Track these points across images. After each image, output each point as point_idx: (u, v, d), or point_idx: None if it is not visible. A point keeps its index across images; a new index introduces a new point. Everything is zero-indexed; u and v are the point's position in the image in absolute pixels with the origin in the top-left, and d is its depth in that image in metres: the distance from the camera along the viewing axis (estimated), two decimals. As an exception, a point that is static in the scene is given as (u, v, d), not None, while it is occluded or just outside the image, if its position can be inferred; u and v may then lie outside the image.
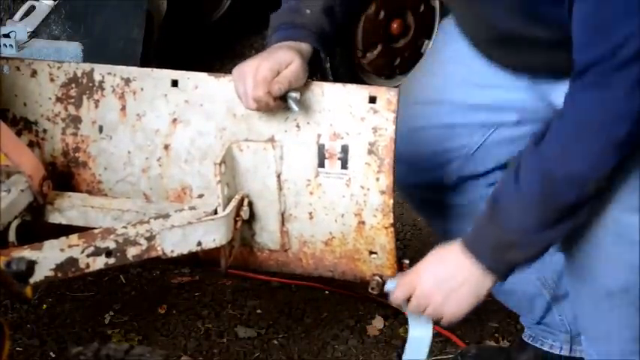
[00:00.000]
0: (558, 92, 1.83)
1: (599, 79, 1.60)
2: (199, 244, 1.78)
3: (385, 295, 1.89)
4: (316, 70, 1.83)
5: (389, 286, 1.85)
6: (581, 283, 1.96)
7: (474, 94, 2.08)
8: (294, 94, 1.76)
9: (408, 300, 1.82)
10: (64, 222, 1.91)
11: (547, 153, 1.67)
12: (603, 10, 1.59)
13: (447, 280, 1.78)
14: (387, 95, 1.77)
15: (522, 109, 2.07)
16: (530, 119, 2.04)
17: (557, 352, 2.29)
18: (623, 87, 1.59)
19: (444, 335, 2.39)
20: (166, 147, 1.93)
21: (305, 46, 1.82)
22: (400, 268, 1.91)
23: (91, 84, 1.93)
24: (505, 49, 1.96)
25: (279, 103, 1.77)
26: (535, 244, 1.72)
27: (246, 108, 1.78)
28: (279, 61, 1.74)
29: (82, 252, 1.72)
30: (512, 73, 2.01)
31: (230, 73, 1.82)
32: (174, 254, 1.77)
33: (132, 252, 1.75)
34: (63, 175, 2.00)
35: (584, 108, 1.64)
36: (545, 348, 2.30)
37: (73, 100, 1.95)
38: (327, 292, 2.55)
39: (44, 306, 2.49)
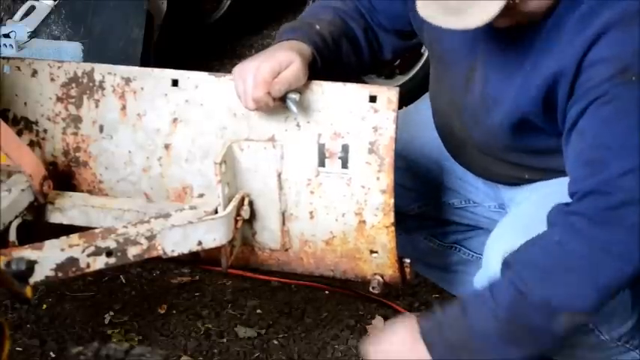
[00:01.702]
0: (511, 194, 1.91)
1: (595, 215, 1.58)
2: (200, 243, 1.78)
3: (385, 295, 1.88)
4: (317, 71, 1.83)
5: None
6: None
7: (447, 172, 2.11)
8: (293, 96, 1.76)
9: None
10: (64, 221, 1.91)
11: (526, 272, 1.63)
12: (601, 145, 1.58)
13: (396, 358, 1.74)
14: (387, 94, 1.77)
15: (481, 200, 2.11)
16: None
17: None
18: (618, 230, 1.57)
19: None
20: (167, 146, 1.93)
21: (306, 48, 1.82)
22: (401, 267, 1.91)
23: (91, 84, 1.93)
24: (473, 163, 1.99)
25: (278, 104, 1.77)
26: (491, 354, 1.67)
27: (245, 108, 1.78)
28: (280, 61, 1.74)
29: (83, 252, 1.72)
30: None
31: (230, 73, 1.82)
32: (175, 254, 1.78)
33: (132, 251, 1.75)
34: (63, 174, 2.00)
35: (577, 239, 1.59)
36: None
37: (73, 100, 1.95)
38: (327, 292, 2.55)
39: (44, 306, 2.48)
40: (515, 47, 1.71)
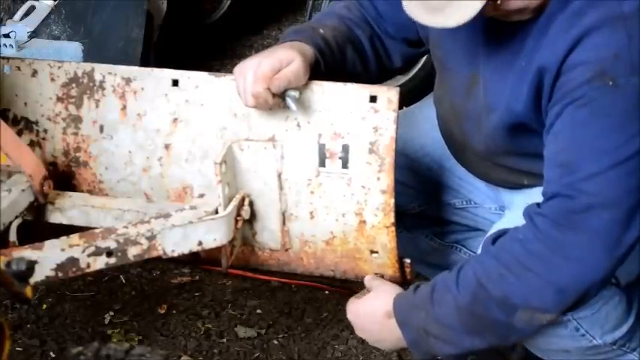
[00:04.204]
0: (510, 197, 1.92)
1: (559, 218, 1.60)
2: (200, 243, 1.78)
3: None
4: (319, 74, 1.84)
5: None
6: None
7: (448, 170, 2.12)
8: (293, 93, 1.76)
9: None
10: (64, 222, 1.91)
11: (489, 265, 1.66)
12: (573, 148, 1.59)
13: (370, 329, 1.85)
14: (387, 95, 1.77)
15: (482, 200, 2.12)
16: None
17: None
18: (579, 234, 1.58)
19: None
20: (167, 146, 1.93)
21: (308, 48, 1.82)
22: (401, 267, 1.91)
23: (91, 84, 1.93)
24: (474, 167, 2.00)
25: (277, 101, 1.77)
26: (454, 343, 1.72)
27: (245, 105, 1.78)
28: (280, 59, 1.74)
29: (83, 252, 1.72)
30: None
31: (230, 73, 1.82)
32: (175, 254, 1.78)
33: (133, 251, 1.75)
34: (64, 174, 2.00)
35: (539, 239, 1.62)
36: None
37: (73, 100, 1.95)
38: (327, 291, 2.55)
39: (44, 306, 2.49)
40: (509, 48, 1.71)
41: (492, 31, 1.73)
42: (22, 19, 2.95)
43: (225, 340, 2.39)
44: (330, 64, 1.86)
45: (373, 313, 1.82)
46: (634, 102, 1.55)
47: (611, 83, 1.54)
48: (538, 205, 1.65)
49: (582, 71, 1.56)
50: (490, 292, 1.64)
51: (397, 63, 2.03)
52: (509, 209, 2.00)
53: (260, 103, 1.76)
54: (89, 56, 2.88)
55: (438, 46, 1.90)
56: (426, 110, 2.04)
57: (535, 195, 1.83)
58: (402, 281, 1.94)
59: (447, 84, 1.91)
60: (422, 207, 2.17)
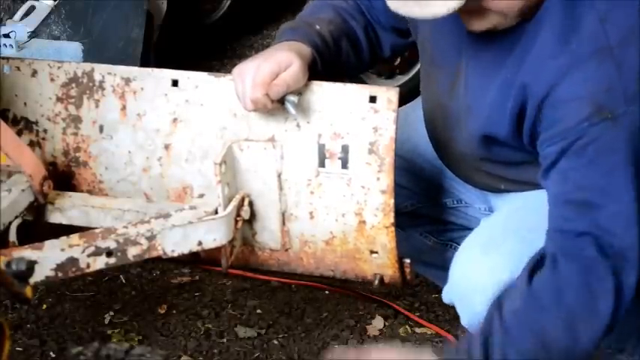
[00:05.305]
0: (495, 200, 1.91)
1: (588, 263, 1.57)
2: (200, 243, 1.78)
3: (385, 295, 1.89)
4: (316, 72, 1.83)
5: None
6: None
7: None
8: (292, 98, 1.76)
9: None
10: (64, 222, 1.91)
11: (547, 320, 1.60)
12: (586, 187, 1.58)
13: None
14: (387, 95, 1.77)
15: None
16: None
17: None
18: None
19: (443, 336, 2.39)
20: (167, 146, 1.93)
21: (305, 48, 1.82)
22: (401, 267, 1.91)
23: (91, 84, 1.93)
24: (457, 169, 2.00)
25: (277, 106, 1.77)
26: None
27: (244, 109, 1.78)
28: (279, 62, 1.74)
29: (83, 252, 1.72)
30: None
31: (230, 73, 1.82)
32: (175, 254, 1.78)
33: (133, 252, 1.75)
34: (64, 174, 2.00)
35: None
36: None
37: (73, 100, 1.95)
38: (327, 292, 2.55)
39: (44, 306, 2.49)
40: (493, 54, 1.71)
41: (476, 34, 1.72)
42: (22, 19, 2.95)
43: (225, 340, 2.39)
44: (327, 60, 1.86)
45: None
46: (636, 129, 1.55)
47: (610, 116, 1.54)
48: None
49: (578, 108, 1.56)
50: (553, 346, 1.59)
51: (386, 52, 2.03)
52: (496, 211, 2.01)
53: (259, 108, 1.76)
54: (89, 56, 2.88)
55: (427, 40, 1.89)
56: (419, 110, 2.04)
57: (516, 200, 1.83)
58: (402, 281, 1.94)
59: (434, 80, 1.91)
60: (414, 206, 2.17)
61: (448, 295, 1.85)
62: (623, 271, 1.57)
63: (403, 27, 1.98)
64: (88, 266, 1.73)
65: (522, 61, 1.63)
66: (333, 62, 1.89)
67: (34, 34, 2.92)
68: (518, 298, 1.62)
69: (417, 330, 2.43)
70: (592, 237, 1.57)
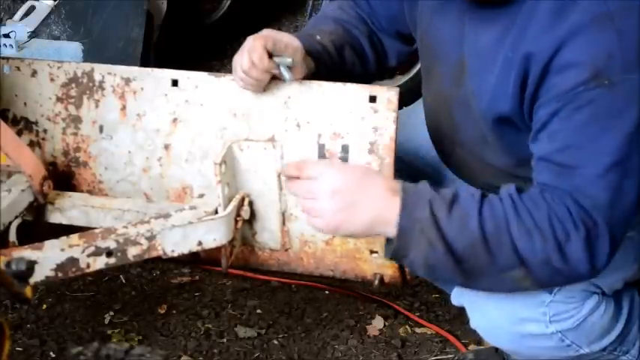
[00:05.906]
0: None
1: (550, 199, 1.58)
2: (200, 243, 1.78)
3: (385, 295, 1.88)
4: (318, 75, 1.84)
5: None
6: None
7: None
8: (286, 60, 1.76)
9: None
10: (64, 222, 1.91)
11: (524, 218, 1.59)
12: (573, 150, 1.58)
13: (361, 196, 1.60)
14: (387, 95, 1.77)
15: None
16: None
17: None
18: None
19: (443, 336, 2.39)
20: (167, 147, 1.93)
21: (306, 48, 1.83)
22: (401, 267, 1.91)
23: (91, 84, 1.93)
24: (461, 169, 1.98)
25: (271, 66, 1.77)
26: (439, 260, 1.59)
27: (240, 77, 1.79)
28: (280, 34, 1.79)
29: (83, 252, 1.72)
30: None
31: (230, 73, 1.82)
32: (175, 254, 1.78)
33: (132, 252, 1.75)
34: (63, 174, 2.00)
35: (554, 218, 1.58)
36: None
37: (73, 100, 1.95)
38: (327, 292, 2.55)
39: (44, 306, 2.49)
40: (493, 36, 1.70)
41: (476, 17, 1.72)
42: (22, 19, 2.95)
43: (225, 340, 2.39)
44: (329, 68, 1.87)
45: (376, 182, 1.62)
46: (633, 97, 1.55)
47: (606, 82, 1.55)
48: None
49: (577, 72, 1.56)
50: (511, 238, 1.57)
51: (392, 61, 2.04)
52: None
53: (255, 66, 1.77)
54: (89, 56, 2.88)
55: (427, 33, 1.88)
56: (421, 112, 2.04)
57: None
58: (402, 281, 1.94)
59: (436, 74, 1.89)
60: None
61: (458, 298, 1.83)
62: (597, 236, 1.56)
63: (405, 31, 1.98)
64: (88, 266, 1.73)
65: (523, 34, 1.63)
66: (336, 71, 1.89)
67: (34, 34, 2.93)
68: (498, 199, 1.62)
69: (417, 330, 2.43)
70: (570, 197, 1.57)
